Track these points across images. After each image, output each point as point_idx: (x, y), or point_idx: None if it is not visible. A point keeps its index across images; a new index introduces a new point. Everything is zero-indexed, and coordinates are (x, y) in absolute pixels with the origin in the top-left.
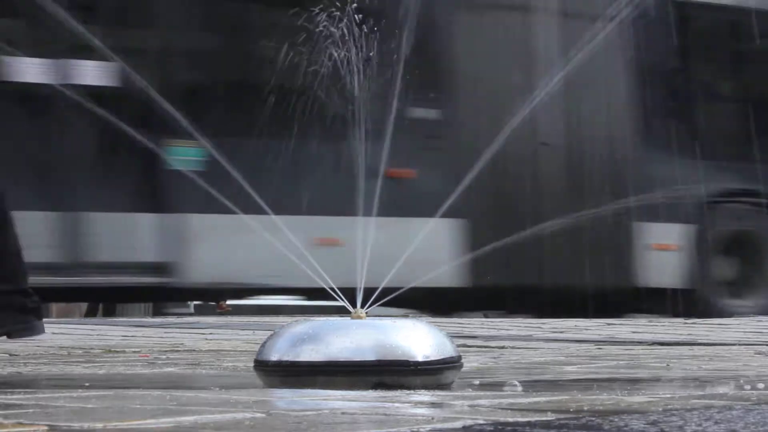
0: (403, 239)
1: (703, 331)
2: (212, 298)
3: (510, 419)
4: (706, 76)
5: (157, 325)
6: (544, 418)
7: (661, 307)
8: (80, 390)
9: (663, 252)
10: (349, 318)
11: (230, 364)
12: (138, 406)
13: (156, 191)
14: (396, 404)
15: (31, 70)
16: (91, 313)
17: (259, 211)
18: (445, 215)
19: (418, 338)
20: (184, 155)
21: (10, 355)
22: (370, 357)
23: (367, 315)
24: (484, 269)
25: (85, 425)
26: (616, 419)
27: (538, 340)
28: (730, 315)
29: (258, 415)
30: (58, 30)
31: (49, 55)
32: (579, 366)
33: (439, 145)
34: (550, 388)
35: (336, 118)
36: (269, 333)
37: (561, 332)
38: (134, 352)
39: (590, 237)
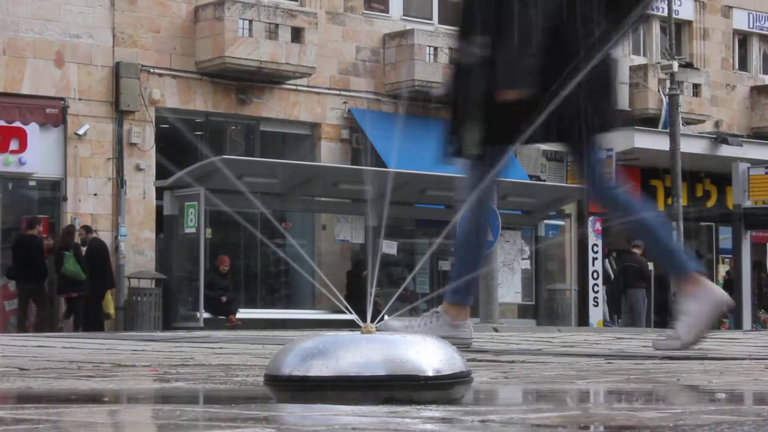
0: None
1: (713, 345)
2: None
3: None
4: None
5: (166, 339)
6: None
7: None
8: (90, 405)
9: None
10: (359, 332)
11: (240, 378)
12: (148, 421)
13: None
14: (406, 419)
15: None
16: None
17: None
18: None
19: (428, 353)
20: None
21: (21, 369)
22: (380, 372)
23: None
24: None
25: None
26: None
27: (548, 354)
28: None
29: (268, 430)
30: None
31: None
32: (589, 380)
33: None
34: (560, 403)
35: None
36: (279, 347)
37: (571, 346)
38: (144, 366)
39: None
